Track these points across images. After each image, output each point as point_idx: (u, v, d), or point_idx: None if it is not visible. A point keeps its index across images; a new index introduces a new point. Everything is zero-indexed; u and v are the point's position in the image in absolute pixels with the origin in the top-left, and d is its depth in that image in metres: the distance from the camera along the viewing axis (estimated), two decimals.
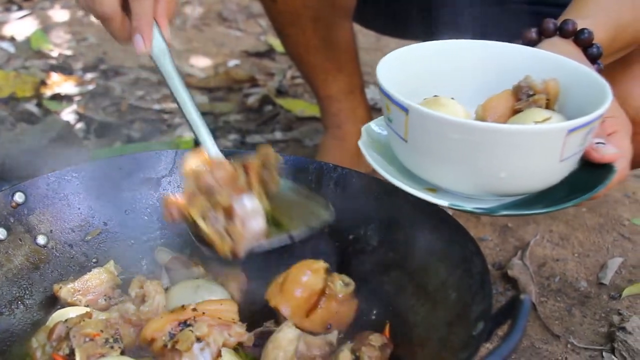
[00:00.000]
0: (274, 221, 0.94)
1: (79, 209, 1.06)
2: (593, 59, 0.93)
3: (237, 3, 3.00)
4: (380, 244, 1.02)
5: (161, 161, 1.10)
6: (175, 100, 0.95)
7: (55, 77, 2.18)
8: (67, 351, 0.83)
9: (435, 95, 0.88)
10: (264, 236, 0.92)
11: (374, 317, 0.97)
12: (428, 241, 0.95)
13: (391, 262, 1.00)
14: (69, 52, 2.45)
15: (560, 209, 0.80)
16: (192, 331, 0.82)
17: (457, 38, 0.94)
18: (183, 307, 0.88)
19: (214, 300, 0.91)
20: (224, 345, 0.84)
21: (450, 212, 0.93)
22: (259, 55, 2.51)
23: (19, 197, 1.00)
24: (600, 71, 0.93)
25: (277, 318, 0.94)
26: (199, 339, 0.81)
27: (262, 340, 0.87)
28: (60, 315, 0.92)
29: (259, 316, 0.94)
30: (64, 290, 0.96)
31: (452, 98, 0.88)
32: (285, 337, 0.85)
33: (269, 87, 2.21)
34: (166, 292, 0.95)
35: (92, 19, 2.70)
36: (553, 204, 0.79)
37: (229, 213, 0.90)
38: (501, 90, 0.88)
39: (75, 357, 0.82)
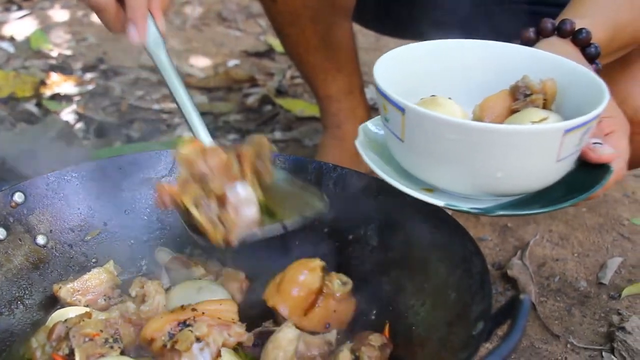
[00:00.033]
0: (267, 211, 0.93)
1: (79, 209, 1.06)
2: (591, 59, 0.93)
3: (237, 3, 3.00)
4: (379, 244, 1.02)
5: (161, 161, 1.10)
6: (169, 91, 0.94)
7: (54, 77, 2.18)
8: (66, 351, 0.83)
9: (433, 95, 0.88)
10: (257, 225, 0.91)
11: (373, 317, 0.97)
12: (428, 241, 0.95)
13: (391, 262, 1.00)
14: (68, 52, 2.44)
15: (557, 209, 0.80)
16: (191, 331, 0.82)
17: (455, 38, 0.94)
18: (183, 307, 0.88)
19: (214, 300, 0.91)
20: (223, 345, 0.84)
21: (449, 212, 0.93)
22: (258, 55, 2.51)
23: (18, 197, 1.00)
24: (598, 71, 0.93)
25: (275, 318, 0.94)
26: (198, 339, 0.81)
27: (261, 340, 0.87)
28: (59, 315, 0.92)
29: (258, 316, 0.94)
30: (64, 290, 0.96)
31: (450, 98, 0.88)
32: (285, 337, 0.85)
33: (269, 87, 2.20)
34: (167, 292, 0.95)
35: (92, 19, 2.70)
36: (550, 204, 0.79)
37: (222, 201, 0.89)
38: (499, 90, 0.88)
39: (75, 357, 0.82)
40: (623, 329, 1.14)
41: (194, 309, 0.87)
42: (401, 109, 0.78)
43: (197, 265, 1.02)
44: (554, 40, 0.94)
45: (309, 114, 2.01)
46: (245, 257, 1.05)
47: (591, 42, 0.93)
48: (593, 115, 0.75)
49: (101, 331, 0.84)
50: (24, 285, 0.98)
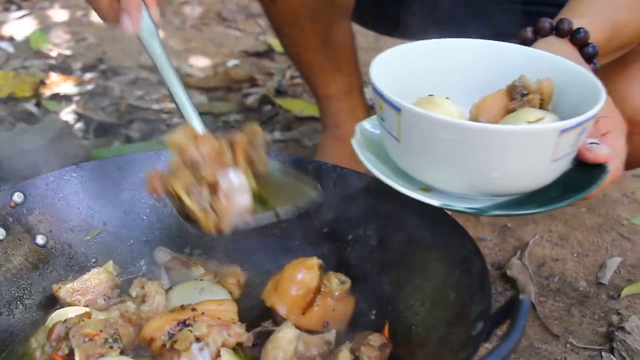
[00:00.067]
0: (260, 200, 0.92)
1: (78, 208, 1.06)
2: (589, 58, 0.93)
3: (237, 3, 3.00)
4: (379, 244, 1.02)
5: (160, 161, 1.10)
6: (163, 81, 0.94)
7: (54, 77, 2.18)
8: (66, 351, 0.83)
9: (430, 95, 0.88)
10: (250, 213, 0.90)
11: (373, 317, 0.97)
12: (427, 241, 0.95)
13: (390, 262, 1.00)
14: (68, 52, 2.44)
15: (552, 209, 0.80)
16: (191, 331, 0.82)
17: (454, 37, 0.94)
18: (182, 307, 0.88)
19: (214, 300, 0.91)
20: (223, 345, 0.84)
21: (449, 212, 0.93)
22: (258, 55, 2.51)
23: (18, 197, 1.00)
24: (596, 71, 0.93)
25: (274, 318, 0.94)
26: (198, 339, 0.81)
27: (261, 340, 0.87)
28: (59, 315, 0.92)
29: (258, 316, 0.94)
30: (63, 290, 0.96)
31: (447, 97, 0.88)
32: (285, 337, 0.85)
33: (268, 87, 2.21)
34: (167, 292, 0.95)
35: (92, 18, 2.70)
36: (546, 204, 0.79)
37: (213, 188, 0.88)
38: (496, 89, 0.88)
39: (75, 357, 0.82)
40: (622, 328, 1.14)
41: (193, 309, 0.87)
42: (397, 109, 0.78)
43: (197, 265, 1.02)
44: (552, 39, 0.94)
45: (308, 114, 2.01)
46: (245, 258, 1.05)
47: (589, 41, 0.93)
48: (589, 116, 0.75)
49: (101, 331, 0.84)
50: (24, 285, 0.98)
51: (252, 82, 2.25)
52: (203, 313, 0.86)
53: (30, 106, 1.99)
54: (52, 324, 0.88)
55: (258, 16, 2.82)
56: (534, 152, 0.75)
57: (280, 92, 2.20)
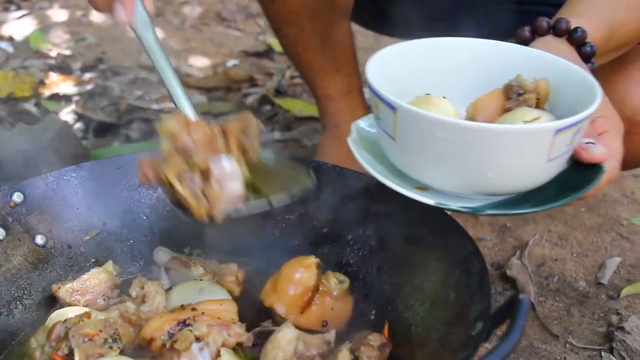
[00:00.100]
0: (253, 189, 0.91)
1: (78, 209, 1.06)
2: (586, 58, 0.93)
3: (236, 3, 3.00)
4: (379, 244, 1.02)
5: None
6: (155, 69, 0.93)
7: (53, 77, 2.18)
8: (66, 351, 0.83)
9: (427, 94, 0.88)
10: (242, 200, 0.88)
11: (372, 317, 0.97)
12: (427, 241, 0.95)
13: (390, 262, 1.00)
14: (67, 52, 2.44)
15: (548, 209, 0.80)
16: (191, 331, 0.82)
17: (452, 37, 0.94)
18: (182, 307, 0.88)
19: (213, 300, 0.91)
20: (223, 345, 0.84)
21: (449, 212, 0.93)
22: (257, 55, 2.51)
23: (17, 197, 1.00)
24: (593, 70, 0.93)
25: (274, 318, 0.94)
26: (198, 339, 0.81)
27: (260, 340, 0.87)
28: (59, 315, 0.92)
29: (258, 316, 0.94)
30: (63, 290, 0.96)
31: (444, 96, 0.88)
32: (285, 337, 0.85)
33: (268, 87, 2.20)
34: (166, 292, 0.95)
35: (91, 18, 2.70)
36: (541, 204, 0.79)
37: (206, 175, 0.87)
38: (493, 88, 0.88)
39: (74, 357, 0.82)
40: (622, 328, 1.14)
41: (193, 309, 0.87)
42: (393, 108, 0.78)
43: (197, 265, 1.02)
44: (550, 39, 0.94)
45: (308, 113, 2.00)
46: (245, 258, 1.05)
47: (586, 41, 0.93)
48: (584, 116, 0.75)
49: (100, 331, 0.84)
50: (23, 286, 0.98)
51: (252, 82, 2.25)
52: (203, 313, 0.86)
53: (30, 106, 1.99)
54: (52, 324, 0.88)
55: (258, 16, 2.82)
56: (530, 151, 0.75)
57: (279, 92, 2.20)
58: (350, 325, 0.96)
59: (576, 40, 0.93)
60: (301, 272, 0.94)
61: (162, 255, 1.06)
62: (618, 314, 1.20)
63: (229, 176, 0.88)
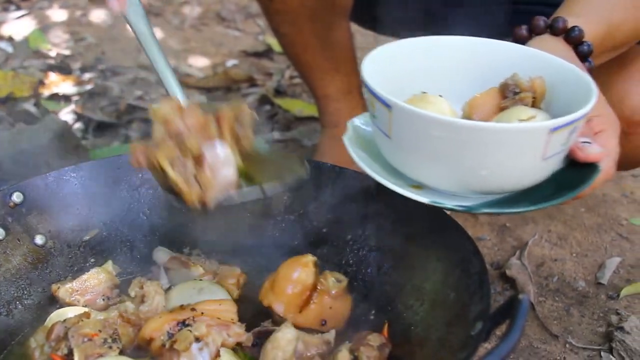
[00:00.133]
0: (246, 177, 0.89)
1: (78, 209, 1.06)
2: (583, 57, 0.93)
3: (236, 3, 2.99)
4: (378, 244, 1.02)
5: None
6: (148, 57, 0.93)
7: (53, 77, 2.18)
8: (65, 351, 0.83)
9: (423, 92, 0.88)
10: (235, 187, 0.87)
11: (372, 317, 0.97)
12: (426, 241, 0.95)
13: (389, 262, 1.00)
14: (67, 52, 2.44)
15: (543, 208, 0.80)
16: (190, 331, 0.82)
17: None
18: (182, 307, 0.88)
19: (213, 300, 0.91)
20: (222, 345, 0.84)
21: (448, 211, 0.93)
22: (257, 55, 2.51)
23: (17, 197, 1.00)
24: (590, 69, 0.93)
25: (273, 317, 0.94)
26: (197, 339, 0.81)
27: (260, 340, 0.87)
28: (58, 315, 0.92)
29: (257, 316, 0.94)
30: (62, 290, 0.96)
31: (440, 95, 0.88)
32: (284, 337, 0.85)
33: (268, 87, 2.20)
34: (166, 292, 0.95)
35: (91, 18, 2.70)
36: (536, 202, 0.79)
37: (198, 161, 0.86)
38: (490, 87, 0.88)
39: (74, 357, 0.82)
40: (621, 328, 1.14)
41: (193, 309, 0.87)
42: (388, 106, 0.78)
43: (196, 265, 1.02)
44: (547, 37, 0.94)
45: (307, 113, 2.00)
46: (245, 258, 1.05)
47: (584, 40, 0.93)
48: (579, 115, 0.75)
49: (100, 331, 0.84)
50: (23, 286, 0.98)
51: (251, 82, 2.25)
52: (202, 313, 0.86)
53: (29, 106, 1.99)
54: (51, 324, 0.88)
55: (257, 16, 2.82)
56: (525, 150, 0.75)
57: (279, 92, 2.20)
58: (350, 325, 0.96)
59: (573, 39, 0.93)
60: (299, 271, 0.94)
61: (162, 255, 1.06)
62: (617, 314, 1.20)
63: (222, 162, 0.87)
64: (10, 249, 0.99)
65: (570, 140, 0.77)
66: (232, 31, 2.76)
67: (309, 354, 0.87)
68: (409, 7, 1.41)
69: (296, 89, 2.22)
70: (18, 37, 2.52)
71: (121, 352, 0.84)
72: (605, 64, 1.02)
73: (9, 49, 2.43)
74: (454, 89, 0.91)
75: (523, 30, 0.96)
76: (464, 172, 0.78)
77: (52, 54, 2.41)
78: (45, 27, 2.64)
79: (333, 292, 0.95)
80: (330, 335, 0.90)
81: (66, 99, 2.07)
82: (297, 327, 0.88)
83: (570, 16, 0.94)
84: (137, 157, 0.86)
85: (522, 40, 0.95)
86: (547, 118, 0.80)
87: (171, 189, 0.86)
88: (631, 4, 1.00)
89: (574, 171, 0.81)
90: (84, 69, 2.30)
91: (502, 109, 0.85)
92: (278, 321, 0.92)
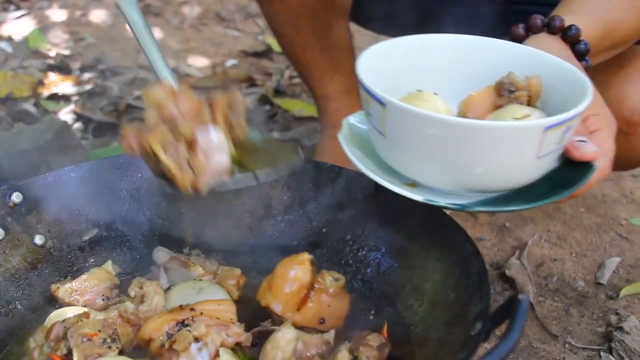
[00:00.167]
0: (240, 165, 0.89)
1: (77, 209, 1.06)
2: (580, 55, 0.93)
3: (235, 3, 2.99)
4: (377, 244, 1.02)
5: None
6: (140, 46, 0.92)
7: (52, 76, 2.18)
8: (64, 351, 0.83)
9: (419, 90, 0.88)
10: (228, 173, 0.87)
11: (372, 317, 0.97)
12: (426, 241, 0.95)
13: (389, 262, 1.00)
14: (66, 52, 2.44)
15: (537, 206, 0.80)
16: (189, 331, 0.82)
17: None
18: (181, 307, 0.88)
19: (212, 300, 0.91)
20: (221, 345, 0.84)
21: (447, 211, 0.93)
22: (257, 55, 2.51)
23: (16, 197, 1.00)
24: (587, 68, 0.93)
25: (273, 317, 0.94)
26: (196, 339, 0.81)
27: (260, 340, 0.87)
28: (57, 315, 0.92)
29: (257, 316, 0.94)
30: (62, 290, 0.96)
31: (436, 93, 0.88)
32: (284, 337, 0.85)
33: (267, 87, 2.20)
34: (166, 292, 0.95)
35: (90, 18, 2.70)
36: (531, 201, 0.79)
37: (191, 145, 0.85)
38: (486, 85, 0.88)
39: (73, 357, 0.82)
40: (621, 328, 1.14)
41: (192, 309, 0.87)
42: (382, 104, 0.78)
43: (196, 265, 1.02)
44: (544, 36, 0.94)
45: (307, 113, 2.00)
46: (244, 258, 1.05)
47: (580, 38, 0.93)
48: (574, 113, 0.74)
49: (99, 331, 0.84)
50: (22, 286, 0.98)
51: (251, 82, 2.25)
52: (202, 313, 0.86)
53: (29, 106, 1.99)
54: (51, 324, 0.88)
55: (257, 16, 2.82)
56: (519, 148, 0.75)
57: (278, 92, 2.19)
58: (350, 325, 0.96)
59: (570, 37, 0.93)
60: (295, 269, 0.94)
61: (162, 255, 1.06)
62: (617, 314, 1.20)
63: (215, 147, 0.86)
64: (10, 249, 0.99)
65: (564, 139, 0.77)
66: (231, 31, 2.76)
67: (308, 354, 0.87)
68: (408, 7, 1.41)
69: (296, 89, 2.22)
70: (17, 37, 2.52)
71: (120, 352, 0.84)
72: (603, 64, 1.02)
73: (9, 49, 2.43)
74: (450, 87, 0.91)
75: (520, 28, 0.96)
76: (459, 170, 0.78)
77: (52, 54, 2.41)
78: (44, 27, 2.64)
79: (331, 290, 0.94)
80: (330, 335, 0.90)
81: (66, 99, 2.07)
82: (296, 325, 0.88)
83: (567, 15, 0.94)
84: (130, 142, 0.85)
85: (519, 39, 0.95)
86: (542, 116, 0.80)
87: (163, 175, 0.85)
88: (629, 4, 1.00)
89: (569, 170, 0.81)
90: (83, 69, 2.30)
91: (497, 107, 0.85)
92: (277, 321, 0.92)
